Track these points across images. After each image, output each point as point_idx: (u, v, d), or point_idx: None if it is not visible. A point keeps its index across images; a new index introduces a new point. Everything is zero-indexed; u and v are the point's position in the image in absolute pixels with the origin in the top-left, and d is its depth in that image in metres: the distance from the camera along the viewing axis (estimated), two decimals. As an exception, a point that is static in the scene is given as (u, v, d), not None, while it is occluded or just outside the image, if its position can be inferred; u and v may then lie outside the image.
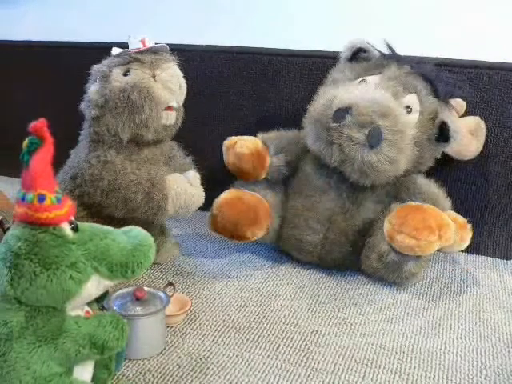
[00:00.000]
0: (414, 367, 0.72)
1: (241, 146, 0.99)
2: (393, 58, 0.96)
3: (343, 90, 0.89)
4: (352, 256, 0.94)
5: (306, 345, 0.76)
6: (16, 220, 0.55)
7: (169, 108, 0.88)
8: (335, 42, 1.10)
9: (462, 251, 1.09)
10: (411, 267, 0.88)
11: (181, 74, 0.90)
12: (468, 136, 1.00)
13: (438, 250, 0.89)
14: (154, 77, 0.86)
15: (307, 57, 1.13)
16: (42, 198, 0.52)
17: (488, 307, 0.88)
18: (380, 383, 0.68)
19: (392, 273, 0.90)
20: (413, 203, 0.90)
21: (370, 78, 0.93)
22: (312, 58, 1.12)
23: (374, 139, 0.83)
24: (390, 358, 0.73)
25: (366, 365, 0.72)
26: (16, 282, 0.52)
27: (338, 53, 1.10)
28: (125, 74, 0.86)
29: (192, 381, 0.68)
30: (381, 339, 0.78)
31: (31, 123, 0.52)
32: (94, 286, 0.56)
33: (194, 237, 1.12)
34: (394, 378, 0.69)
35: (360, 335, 0.79)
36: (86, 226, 0.57)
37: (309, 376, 0.69)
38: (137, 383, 0.67)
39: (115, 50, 0.91)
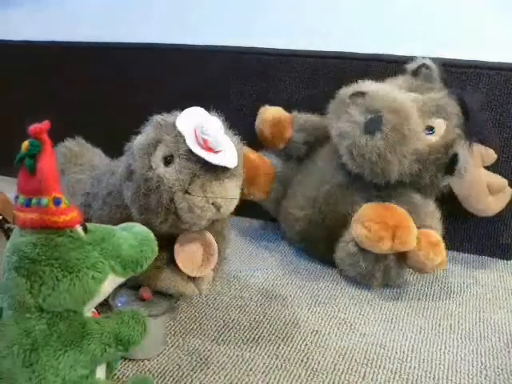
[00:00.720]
0: (414, 367, 0.72)
1: (264, 112, 1.06)
2: (447, 84, 0.95)
3: (371, 82, 0.92)
4: (328, 244, 0.95)
5: (306, 345, 0.76)
6: (23, 226, 0.53)
7: None
8: (335, 42, 1.11)
9: (462, 251, 1.09)
10: (368, 263, 0.88)
11: (231, 193, 0.69)
12: (483, 188, 1.00)
13: (411, 268, 0.90)
14: (184, 191, 0.66)
15: (307, 57, 1.13)
16: (58, 202, 0.52)
17: (488, 307, 0.88)
18: (380, 383, 0.68)
19: (351, 266, 0.91)
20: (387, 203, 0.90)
21: (412, 94, 0.93)
22: (312, 58, 1.13)
23: (371, 126, 0.85)
24: (390, 358, 0.73)
25: (366, 365, 0.72)
26: (37, 289, 0.51)
27: (337, 53, 1.11)
28: (167, 160, 0.67)
29: (192, 381, 0.68)
30: (381, 339, 0.78)
31: (31, 125, 0.51)
32: (109, 285, 0.56)
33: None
34: (394, 378, 0.69)
35: (360, 335, 0.79)
36: (93, 226, 0.57)
37: (309, 376, 0.69)
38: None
39: (181, 124, 0.68)
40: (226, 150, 0.68)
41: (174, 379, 0.68)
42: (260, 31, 1.17)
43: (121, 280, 0.58)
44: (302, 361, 0.72)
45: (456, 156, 0.89)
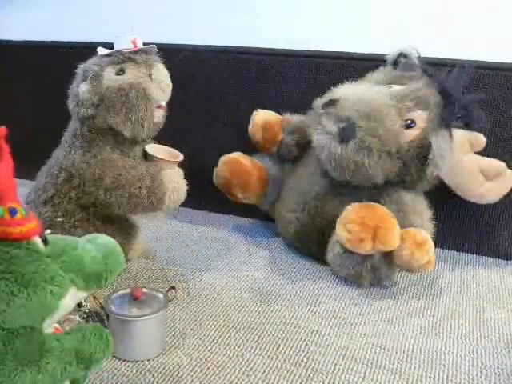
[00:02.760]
0: (415, 367, 0.72)
1: (256, 116, 1.09)
2: (428, 72, 0.93)
3: (348, 85, 0.92)
4: (320, 246, 0.96)
5: (307, 345, 0.76)
6: None
7: (159, 106, 0.90)
8: (335, 42, 1.11)
9: (462, 251, 1.09)
10: (355, 263, 0.89)
11: (168, 74, 0.93)
12: (477, 175, 0.97)
13: (400, 268, 0.90)
14: (149, 76, 0.88)
15: (307, 57, 1.13)
16: (13, 212, 0.49)
17: (488, 307, 0.88)
18: (380, 383, 0.68)
19: (339, 266, 0.91)
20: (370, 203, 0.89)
21: (394, 87, 0.92)
22: (312, 58, 1.13)
23: (345, 135, 0.85)
24: (390, 358, 0.73)
25: (367, 365, 0.72)
26: None
27: (337, 53, 1.11)
28: (118, 74, 0.87)
29: (192, 381, 0.67)
30: (381, 339, 0.78)
31: None
32: (70, 299, 0.53)
33: (195, 237, 1.12)
34: (394, 378, 0.69)
35: (360, 335, 0.79)
36: (53, 238, 0.54)
37: (309, 376, 0.69)
38: (137, 383, 0.67)
39: (102, 50, 0.91)
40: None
41: (173, 379, 0.68)
42: (260, 31, 1.17)
43: (84, 294, 0.55)
44: (301, 361, 0.72)
45: (430, 145, 0.88)
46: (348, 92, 0.89)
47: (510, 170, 0.99)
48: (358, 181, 0.89)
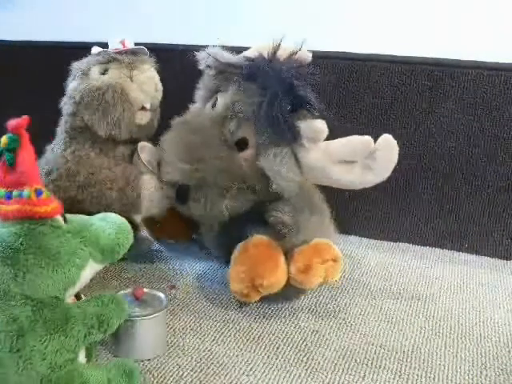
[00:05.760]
0: (415, 367, 0.72)
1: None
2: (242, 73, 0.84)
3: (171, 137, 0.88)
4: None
5: (307, 345, 0.76)
6: (6, 218, 0.55)
7: (143, 108, 0.90)
8: (335, 41, 1.11)
9: (462, 251, 1.09)
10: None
11: (157, 77, 0.93)
12: (331, 169, 0.79)
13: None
14: (130, 78, 0.89)
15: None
16: (39, 193, 0.54)
17: (488, 307, 0.88)
18: (380, 383, 0.68)
19: None
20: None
21: (218, 102, 0.87)
22: (312, 59, 1.12)
23: (181, 200, 0.86)
24: (390, 358, 0.73)
25: (366, 365, 0.72)
26: (21, 277, 0.53)
27: (337, 53, 1.11)
28: (103, 73, 0.88)
29: (192, 381, 0.67)
30: (381, 339, 0.78)
31: (9, 121, 0.53)
32: (89, 271, 0.59)
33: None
34: (394, 378, 0.69)
35: (360, 335, 0.79)
36: (70, 216, 0.60)
37: (309, 376, 0.69)
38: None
39: (95, 49, 0.92)
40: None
41: (173, 379, 0.68)
42: (260, 31, 1.17)
43: (99, 267, 0.60)
44: (301, 361, 0.72)
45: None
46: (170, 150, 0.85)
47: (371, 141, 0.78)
48: (221, 227, 0.87)
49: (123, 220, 0.62)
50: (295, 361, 0.72)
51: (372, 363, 0.72)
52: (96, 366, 0.62)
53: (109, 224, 0.61)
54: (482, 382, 0.69)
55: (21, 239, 0.54)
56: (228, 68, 0.86)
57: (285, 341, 0.77)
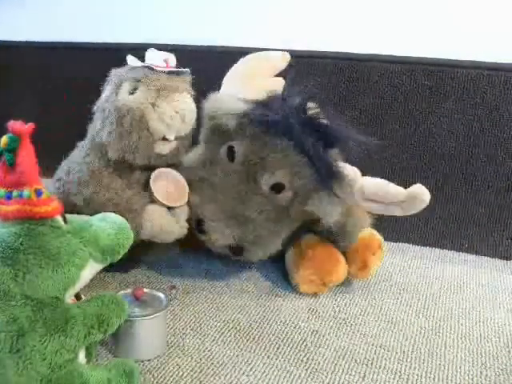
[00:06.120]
0: (414, 367, 0.72)
1: None
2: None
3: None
4: None
5: (306, 345, 0.76)
6: (6, 219, 0.55)
7: (164, 139, 0.84)
8: (334, 41, 1.11)
9: (462, 251, 1.09)
10: None
11: (189, 107, 0.85)
12: (357, 197, 0.82)
13: None
14: (153, 105, 0.82)
15: (307, 57, 1.13)
16: (39, 193, 0.54)
17: (488, 307, 0.88)
18: (380, 383, 0.68)
19: None
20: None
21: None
22: (312, 59, 1.12)
23: (237, 254, 0.87)
24: (390, 358, 0.73)
25: (366, 365, 0.72)
26: (21, 277, 0.53)
27: (337, 53, 1.11)
28: (132, 92, 0.82)
29: (192, 381, 0.67)
30: (381, 339, 0.78)
31: (10, 122, 0.53)
32: (89, 271, 0.59)
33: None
34: (394, 378, 0.69)
35: (360, 335, 0.79)
36: (69, 216, 0.60)
37: (309, 376, 0.69)
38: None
39: (131, 60, 0.86)
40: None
41: (174, 379, 0.68)
42: (260, 31, 1.18)
43: (99, 267, 0.60)
44: (301, 361, 0.72)
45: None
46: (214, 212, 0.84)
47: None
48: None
49: (123, 220, 0.63)
50: (295, 361, 0.72)
51: (372, 363, 0.72)
52: (96, 366, 0.63)
53: (109, 224, 0.61)
54: (481, 382, 0.69)
55: (21, 239, 0.54)
56: (242, 119, 0.83)
57: (285, 341, 0.77)
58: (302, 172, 0.82)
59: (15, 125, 0.53)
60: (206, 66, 1.20)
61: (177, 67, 0.87)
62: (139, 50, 1.04)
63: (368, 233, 0.93)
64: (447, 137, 1.06)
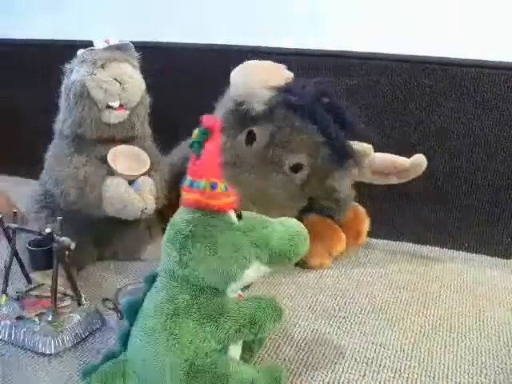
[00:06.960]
0: (414, 366, 0.72)
1: None
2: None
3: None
4: None
5: (307, 344, 0.76)
6: (184, 205, 0.58)
7: (109, 107, 0.87)
8: (335, 41, 1.11)
9: (462, 250, 1.09)
10: None
11: (127, 74, 0.88)
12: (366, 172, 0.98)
13: None
14: (91, 75, 0.86)
15: (307, 56, 1.13)
16: (214, 186, 0.56)
17: (488, 306, 0.88)
18: (380, 382, 0.69)
19: None
20: None
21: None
22: (312, 58, 1.13)
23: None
24: (390, 357, 0.73)
25: (366, 364, 0.72)
26: (184, 262, 0.57)
27: (337, 52, 1.11)
28: (77, 71, 0.89)
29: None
30: (381, 338, 0.78)
31: (203, 116, 0.54)
32: (253, 272, 0.59)
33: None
34: (394, 377, 0.69)
35: (360, 334, 0.79)
36: (247, 214, 0.60)
37: (309, 375, 0.69)
38: None
39: (80, 51, 0.92)
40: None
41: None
42: (260, 31, 1.17)
43: (266, 270, 0.60)
44: (302, 359, 0.72)
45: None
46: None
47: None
48: None
49: (301, 227, 0.62)
50: (295, 359, 0.72)
51: (372, 362, 0.72)
52: (246, 364, 0.63)
53: (285, 228, 0.61)
54: (481, 381, 0.69)
55: (191, 227, 0.56)
56: (271, 103, 0.89)
57: (285, 339, 0.77)
58: (321, 153, 0.90)
59: (208, 119, 0.54)
60: (206, 65, 1.21)
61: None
62: (139, 50, 1.04)
63: (355, 205, 1.02)
64: (447, 136, 1.06)
